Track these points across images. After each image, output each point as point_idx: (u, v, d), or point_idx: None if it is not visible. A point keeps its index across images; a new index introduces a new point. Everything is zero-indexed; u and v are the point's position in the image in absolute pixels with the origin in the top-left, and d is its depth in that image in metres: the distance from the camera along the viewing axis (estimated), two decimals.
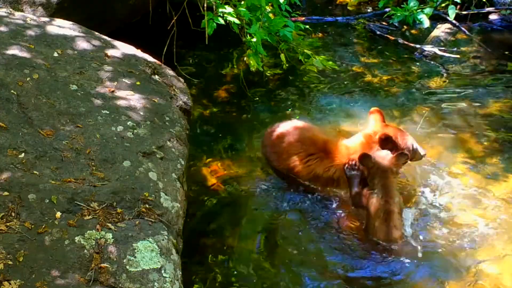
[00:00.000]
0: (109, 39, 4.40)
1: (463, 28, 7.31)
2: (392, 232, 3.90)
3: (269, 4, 5.89)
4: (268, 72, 6.17)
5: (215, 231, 4.11)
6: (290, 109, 5.62)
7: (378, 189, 3.96)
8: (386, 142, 4.23)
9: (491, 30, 7.47)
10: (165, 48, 5.61)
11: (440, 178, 4.57)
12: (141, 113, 3.64)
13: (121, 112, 3.58)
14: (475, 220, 4.17)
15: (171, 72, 4.38)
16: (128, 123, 3.52)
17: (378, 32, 7.32)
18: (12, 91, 3.44)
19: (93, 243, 2.71)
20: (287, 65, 6.11)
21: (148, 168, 3.24)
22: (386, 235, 3.91)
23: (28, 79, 3.59)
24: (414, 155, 4.37)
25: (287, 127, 4.66)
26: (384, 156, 4.03)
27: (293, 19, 6.79)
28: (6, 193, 2.83)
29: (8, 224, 2.70)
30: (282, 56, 6.04)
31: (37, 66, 3.73)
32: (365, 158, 4.00)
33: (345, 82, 6.18)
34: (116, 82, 3.84)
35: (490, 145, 5.02)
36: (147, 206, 3.01)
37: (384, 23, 7.60)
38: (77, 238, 2.72)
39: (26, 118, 3.31)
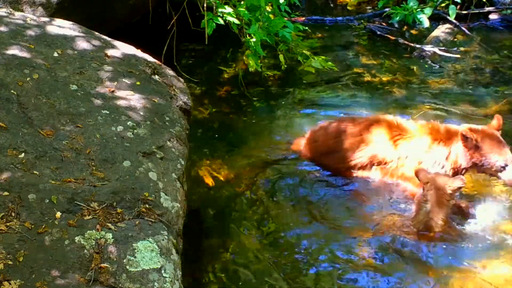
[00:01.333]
0: (109, 39, 4.40)
1: (463, 28, 7.32)
2: None
3: (269, 4, 5.90)
4: (267, 72, 6.17)
5: (215, 230, 4.11)
6: (289, 109, 5.63)
7: (429, 205, 3.98)
8: (465, 140, 4.22)
9: (491, 30, 7.47)
10: (165, 48, 5.61)
11: None
12: (141, 113, 3.64)
13: (121, 112, 3.58)
14: (475, 219, 4.17)
15: (171, 72, 4.37)
16: (128, 123, 3.52)
17: (378, 32, 7.32)
18: (12, 91, 3.43)
19: (93, 243, 2.71)
20: (285, 66, 6.11)
21: (148, 168, 3.24)
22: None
23: (28, 79, 3.59)
24: (501, 173, 4.28)
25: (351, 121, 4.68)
26: (440, 176, 4.04)
27: (293, 19, 6.81)
28: (6, 193, 2.83)
29: (8, 224, 2.69)
30: (281, 56, 6.04)
31: (37, 66, 3.72)
32: (420, 173, 4.06)
33: (345, 82, 6.19)
34: (116, 82, 3.84)
35: None
36: (147, 206, 3.01)
37: (383, 23, 7.61)
38: (77, 238, 2.72)
39: (26, 118, 3.31)
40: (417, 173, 4.09)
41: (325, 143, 4.66)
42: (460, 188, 3.99)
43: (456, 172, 4.33)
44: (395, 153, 4.43)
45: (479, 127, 4.36)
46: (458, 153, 4.28)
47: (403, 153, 4.42)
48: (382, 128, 4.51)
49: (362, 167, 4.53)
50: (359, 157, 4.51)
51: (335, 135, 4.63)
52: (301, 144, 4.89)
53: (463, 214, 4.18)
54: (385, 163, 4.47)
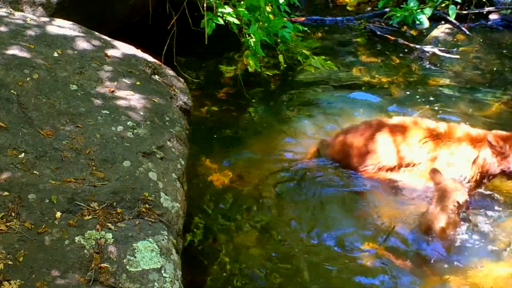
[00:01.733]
0: (109, 39, 4.40)
1: (463, 28, 7.32)
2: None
3: (269, 4, 5.89)
4: (267, 72, 6.17)
5: (216, 230, 4.12)
6: (288, 109, 5.63)
7: (434, 206, 3.96)
8: (492, 147, 4.22)
9: (491, 30, 7.48)
10: (165, 48, 5.61)
11: None
12: (141, 113, 3.64)
13: (121, 112, 3.58)
14: (477, 218, 4.17)
15: (171, 72, 4.37)
16: (128, 123, 3.52)
17: (378, 33, 7.32)
18: (12, 91, 3.43)
19: (93, 243, 2.71)
20: (285, 65, 6.11)
21: (148, 168, 3.24)
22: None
23: (28, 79, 3.59)
24: None
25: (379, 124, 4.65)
26: (452, 183, 4.01)
27: (292, 19, 6.81)
28: (6, 193, 2.83)
29: (8, 224, 2.70)
30: (281, 56, 6.04)
31: (37, 66, 3.72)
32: (434, 173, 4.06)
33: (345, 83, 6.19)
34: (116, 82, 3.84)
35: None
36: (147, 206, 3.01)
37: (383, 23, 7.61)
38: (77, 238, 2.72)
39: (26, 118, 3.31)
40: (431, 172, 4.08)
41: (353, 145, 4.62)
42: (464, 200, 3.96)
43: (483, 177, 4.33)
44: (424, 155, 4.40)
45: (507, 133, 4.32)
46: (486, 159, 4.26)
47: (432, 155, 4.39)
48: (411, 129, 4.49)
49: (390, 169, 4.50)
50: (388, 159, 4.48)
51: (363, 137, 4.60)
52: (325, 145, 4.83)
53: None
54: (414, 165, 4.44)
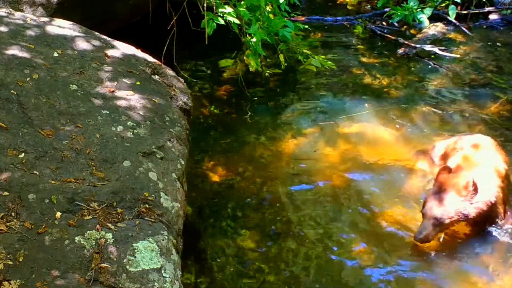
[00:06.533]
0: (109, 39, 4.40)
1: (463, 28, 7.32)
2: None
3: (269, 4, 5.90)
4: (268, 72, 6.17)
5: (216, 230, 4.12)
6: (289, 109, 5.63)
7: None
8: None
9: (491, 30, 7.48)
10: (165, 48, 5.61)
11: None
12: (141, 113, 3.64)
13: (121, 112, 3.58)
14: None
15: (171, 72, 4.37)
16: (128, 123, 3.52)
17: (378, 32, 7.33)
18: (12, 91, 3.44)
19: (93, 243, 2.71)
20: (285, 64, 6.12)
21: (148, 168, 3.24)
22: None
23: (28, 79, 3.59)
24: None
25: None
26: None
27: (293, 19, 6.81)
28: (6, 193, 2.83)
29: (8, 224, 2.70)
30: (281, 56, 6.05)
31: (37, 66, 3.72)
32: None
33: (345, 82, 6.20)
34: (116, 82, 3.84)
35: None
36: (147, 206, 3.01)
37: (383, 23, 7.61)
38: (77, 238, 2.72)
39: (26, 118, 3.31)
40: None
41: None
42: None
43: None
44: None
45: None
46: None
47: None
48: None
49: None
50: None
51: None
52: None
53: None
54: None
